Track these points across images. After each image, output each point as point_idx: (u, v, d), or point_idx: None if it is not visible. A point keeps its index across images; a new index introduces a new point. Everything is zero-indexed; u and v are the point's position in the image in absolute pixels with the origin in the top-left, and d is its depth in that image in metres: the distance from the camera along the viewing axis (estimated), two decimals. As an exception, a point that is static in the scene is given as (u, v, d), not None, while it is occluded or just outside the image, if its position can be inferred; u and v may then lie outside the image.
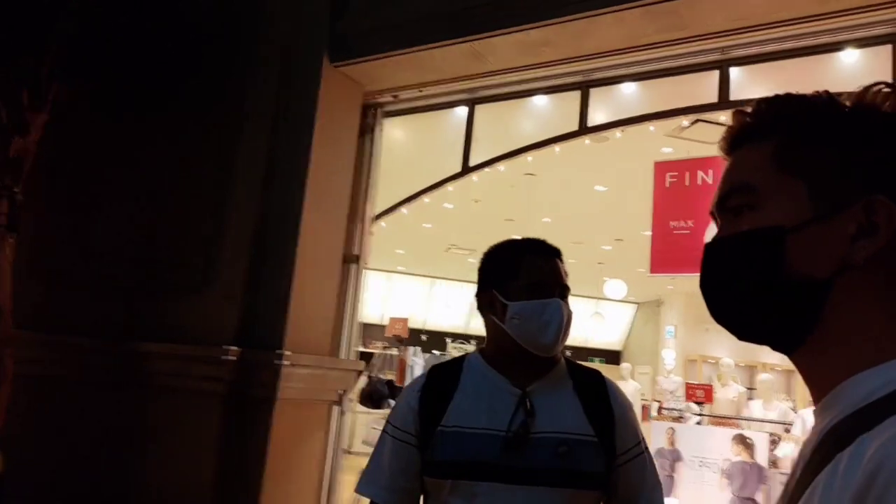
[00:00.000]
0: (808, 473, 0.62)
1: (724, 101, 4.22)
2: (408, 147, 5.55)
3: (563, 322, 1.53)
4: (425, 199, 5.12)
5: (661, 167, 5.51)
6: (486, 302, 1.64)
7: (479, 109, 4.99)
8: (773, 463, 4.57)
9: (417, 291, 14.64)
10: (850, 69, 3.90)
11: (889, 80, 3.08)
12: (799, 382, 12.12)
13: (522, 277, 1.57)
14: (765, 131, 0.71)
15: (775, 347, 0.72)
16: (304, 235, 3.72)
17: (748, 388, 9.32)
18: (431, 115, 5.18)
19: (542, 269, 1.58)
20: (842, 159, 0.67)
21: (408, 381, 5.42)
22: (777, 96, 0.72)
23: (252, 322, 3.55)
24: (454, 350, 14.93)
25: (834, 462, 0.58)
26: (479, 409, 1.52)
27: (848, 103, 0.69)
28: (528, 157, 4.84)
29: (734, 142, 0.75)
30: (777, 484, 4.54)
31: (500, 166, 4.89)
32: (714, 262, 0.72)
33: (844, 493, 0.54)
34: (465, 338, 14.88)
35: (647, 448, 1.61)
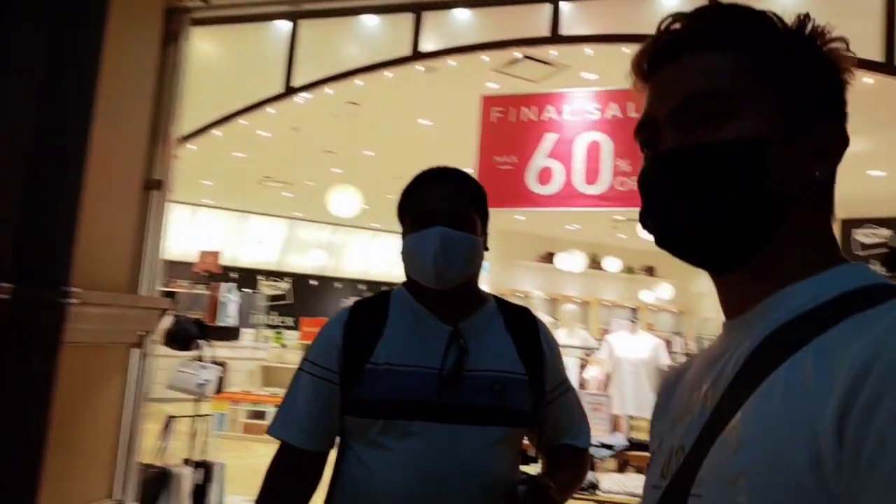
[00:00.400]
0: (744, 384, 0.60)
1: (555, 36, 4.22)
2: (221, 62, 4.98)
3: (436, 251, 1.40)
4: (241, 121, 4.65)
5: (488, 101, 5.46)
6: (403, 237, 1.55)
7: (304, 25, 4.58)
8: (581, 384, 4.86)
9: (227, 226, 13.78)
10: (667, 12, 4.04)
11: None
12: (593, 312, 13.24)
13: (408, 210, 1.50)
14: (725, 39, 0.67)
15: (717, 268, 0.70)
16: (96, 154, 3.16)
17: (553, 319, 9.94)
18: (249, 28, 4.67)
19: (424, 197, 1.49)
20: (808, 79, 0.67)
21: (221, 320, 5.00)
22: (733, 6, 0.69)
23: (28, 254, 2.97)
24: (266, 287, 14.43)
25: (789, 364, 0.57)
26: (410, 346, 1.44)
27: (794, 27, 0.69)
28: (358, 81, 4.53)
29: (666, 52, 0.70)
30: (585, 403, 4.82)
31: (328, 89, 4.55)
32: (683, 172, 0.66)
33: (823, 396, 0.52)
34: (279, 275, 14.38)
35: (570, 385, 1.61)
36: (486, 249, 1.52)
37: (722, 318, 0.73)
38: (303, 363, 1.49)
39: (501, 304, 1.56)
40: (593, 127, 5.15)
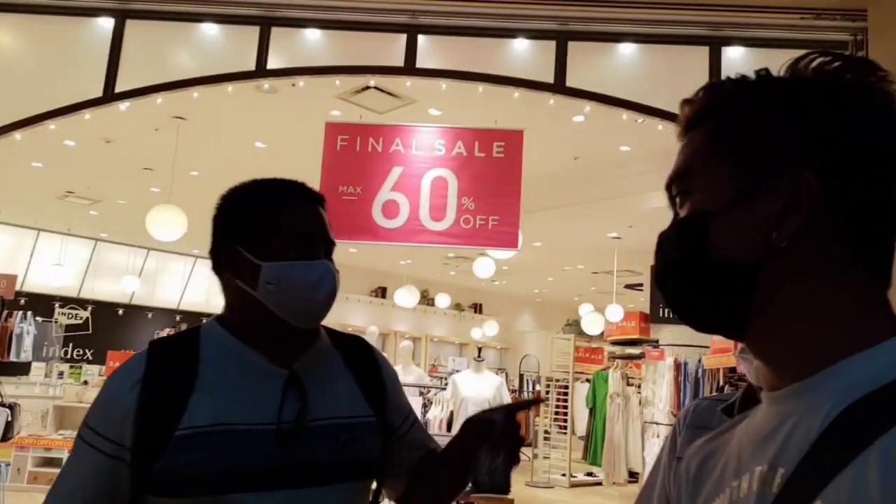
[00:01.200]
0: (813, 465, 0.56)
1: (409, 68, 4.14)
2: (28, 57, 4.32)
3: (329, 290, 1.19)
4: (51, 125, 4.04)
5: (333, 128, 5.25)
6: (226, 261, 1.23)
7: (132, 26, 4.11)
8: (425, 425, 4.71)
9: (16, 245, 12.15)
10: (519, 56, 4.14)
11: (551, 74, 3.18)
12: (422, 348, 13.28)
13: (282, 230, 1.20)
14: (703, 117, 0.69)
15: (727, 334, 0.69)
16: None
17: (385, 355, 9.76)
18: (64, 22, 4.11)
19: (306, 220, 1.22)
20: (767, 134, 0.64)
21: (15, 355, 4.22)
22: (714, 81, 0.70)
23: None
24: (62, 316, 12.83)
25: (856, 465, 0.53)
26: (233, 398, 1.14)
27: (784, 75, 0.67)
28: (195, 92, 4.13)
29: (684, 133, 0.72)
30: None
31: (158, 98, 4.09)
32: (658, 254, 0.70)
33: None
34: (79, 302, 12.90)
35: (415, 415, 1.40)
36: None
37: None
38: (83, 430, 1.14)
39: (333, 335, 1.32)
40: (439, 163, 5.12)
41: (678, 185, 0.69)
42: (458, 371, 6.03)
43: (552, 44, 4.03)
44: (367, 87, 5.76)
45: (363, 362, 1.30)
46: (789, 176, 0.61)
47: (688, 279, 0.66)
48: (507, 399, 5.65)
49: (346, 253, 11.63)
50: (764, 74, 0.67)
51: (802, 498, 0.55)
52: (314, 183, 4.97)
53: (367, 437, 1.22)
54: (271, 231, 1.19)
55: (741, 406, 1.28)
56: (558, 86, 3.96)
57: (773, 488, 0.59)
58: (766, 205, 0.62)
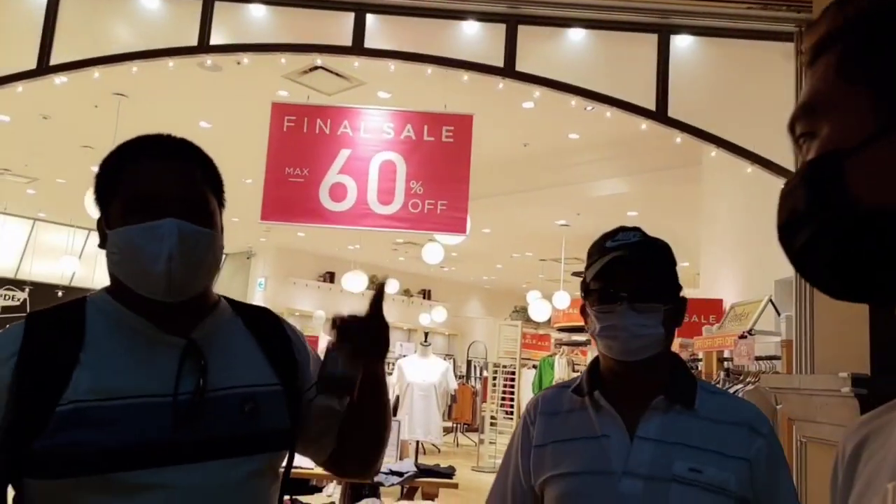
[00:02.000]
0: None
1: (357, 47, 4.05)
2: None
3: (174, 251, 1.04)
4: (-25, 97, 3.82)
5: (280, 109, 5.12)
6: (100, 230, 1.13)
7: (66, -6, 3.90)
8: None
9: (-54, 224, 11.59)
10: (469, 39, 4.09)
11: (501, 58, 3.12)
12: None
13: (121, 192, 1.09)
14: (831, 40, 0.58)
15: (879, 300, 0.58)
16: None
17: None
18: (-9, -13, 3.87)
19: (148, 177, 1.08)
20: None
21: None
22: (844, 2, 0.58)
23: None
24: (1, 299, 12.28)
25: None
26: (123, 370, 1.05)
27: None
28: (133, 67, 3.95)
29: (809, 65, 0.62)
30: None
31: (95, 72, 3.90)
32: (782, 207, 0.59)
33: None
34: (16, 283, 12.37)
35: None
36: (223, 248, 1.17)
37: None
38: None
39: (235, 305, 1.24)
40: (388, 147, 5.05)
41: (802, 124, 0.59)
42: (404, 356, 5.99)
43: (502, 27, 3.99)
44: (315, 68, 5.64)
45: (268, 330, 1.22)
46: None
47: (821, 233, 0.55)
48: (452, 384, 5.65)
49: (293, 237, 11.47)
50: None
51: None
52: (260, 164, 4.84)
53: (274, 407, 1.13)
54: (115, 193, 1.08)
55: (589, 385, 1.32)
56: (508, 70, 3.92)
57: None
58: None
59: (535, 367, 9.42)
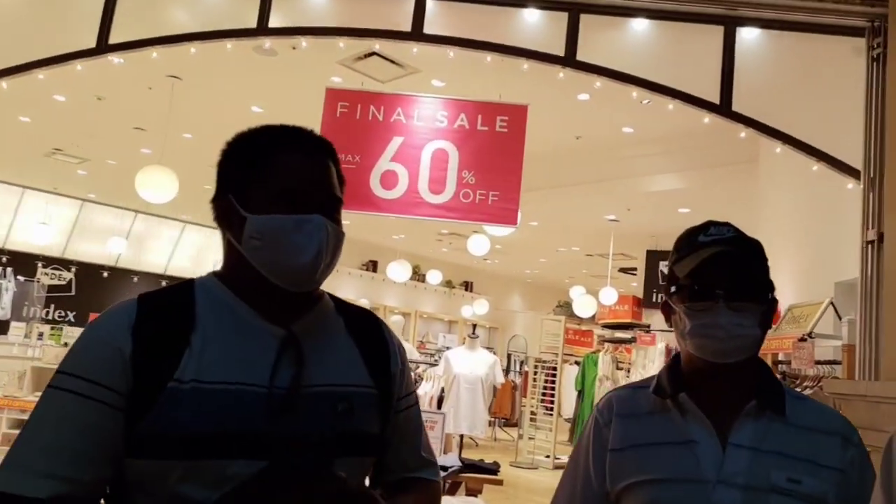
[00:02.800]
0: None
1: (416, 33, 4.01)
2: (19, 4, 4.15)
3: (323, 247, 1.07)
4: (39, 75, 3.90)
5: (333, 95, 5.12)
6: (220, 210, 1.13)
7: (130, -24, 3.95)
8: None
9: (-1, 201, 11.94)
10: (529, 27, 4.02)
11: (562, 47, 3.05)
12: (411, 324, 13.20)
13: (270, 180, 1.09)
14: None
15: None
16: None
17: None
18: (59, -32, 3.95)
19: (299, 171, 1.10)
20: None
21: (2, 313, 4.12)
22: None
23: None
24: (45, 276, 12.63)
25: None
26: (227, 355, 1.04)
27: None
28: (192, 48, 3.99)
29: None
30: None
31: (154, 53, 3.95)
32: None
33: None
34: (63, 263, 12.71)
35: (417, 399, 1.30)
36: None
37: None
38: (59, 378, 1.01)
39: (338, 303, 1.22)
40: (440, 135, 5.02)
41: None
42: (449, 348, 5.96)
43: (564, 16, 3.92)
44: (370, 54, 5.63)
45: (369, 333, 1.19)
46: None
47: None
48: (500, 378, 5.58)
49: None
50: None
51: None
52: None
53: (367, 409, 1.12)
54: (261, 179, 1.08)
55: (673, 387, 1.24)
56: (569, 59, 3.85)
57: None
58: None
59: (577, 363, 9.32)
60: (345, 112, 5.08)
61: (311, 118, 4.99)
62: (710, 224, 1.27)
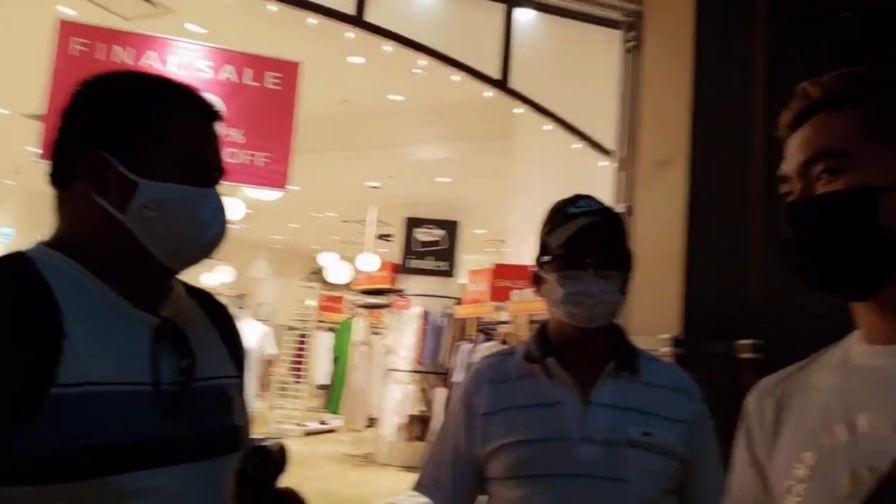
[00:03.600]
0: None
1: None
2: None
3: (225, 223, 0.98)
4: None
5: (68, 28, 4.38)
6: (82, 166, 0.91)
7: None
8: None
9: None
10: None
11: (352, 5, 3.00)
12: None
13: (171, 143, 0.93)
14: (847, 103, 0.76)
15: (852, 296, 0.77)
16: None
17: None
18: None
19: (203, 138, 0.98)
20: None
21: None
22: (858, 71, 0.78)
23: None
24: None
25: None
26: (101, 350, 0.85)
27: None
28: None
29: (803, 114, 0.79)
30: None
31: None
32: (810, 220, 0.76)
33: None
34: None
35: None
36: None
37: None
38: None
39: (184, 284, 1.09)
40: (204, 87, 4.51)
41: (828, 161, 0.75)
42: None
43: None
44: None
45: (223, 318, 1.10)
46: None
47: (850, 246, 0.73)
48: (270, 350, 5.29)
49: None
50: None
51: None
52: (39, 93, 4.12)
53: (237, 400, 1.03)
54: (158, 140, 0.92)
55: (541, 352, 1.33)
56: (358, 19, 3.71)
57: None
58: None
59: (331, 329, 9.29)
60: (84, 52, 4.39)
61: (35, 54, 4.22)
62: (578, 197, 1.35)
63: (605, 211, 1.34)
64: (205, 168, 0.95)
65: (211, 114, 1.00)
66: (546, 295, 1.35)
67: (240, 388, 1.06)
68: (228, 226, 0.98)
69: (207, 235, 0.95)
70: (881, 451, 0.69)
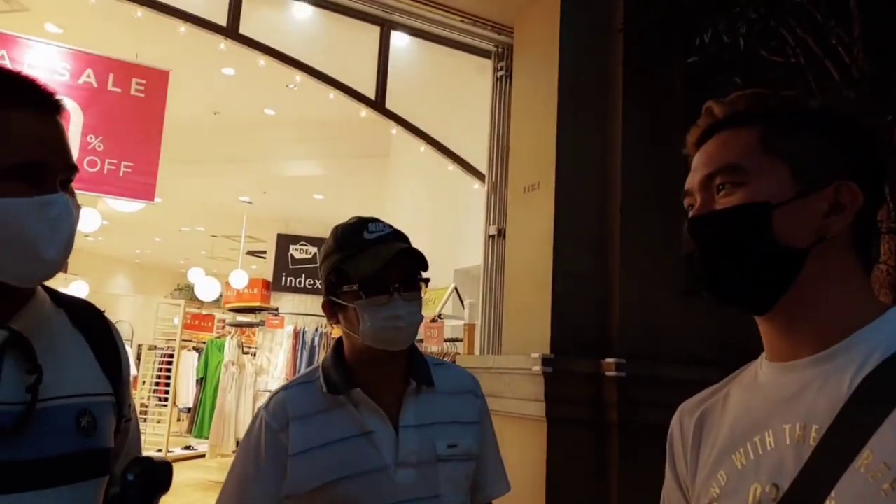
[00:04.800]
0: (856, 424, 0.66)
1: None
2: None
3: (71, 234, 0.91)
4: None
5: None
6: None
7: None
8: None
9: None
10: None
11: (224, 17, 2.99)
12: None
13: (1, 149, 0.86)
14: (747, 120, 0.80)
15: (751, 309, 0.79)
16: None
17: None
18: None
19: (37, 135, 0.89)
20: (818, 148, 0.78)
21: None
22: (758, 91, 0.82)
23: None
24: None
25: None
26: None
27: (814, 104, 0.82)
28: None
29: (709, 131, 0.83)
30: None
31: None
32: (708, 233, 0.78)
33: None
34: None
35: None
36: None
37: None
38: None
39: (52, 293, 1.03)
40: (61, 91, 4.25)
41: (725, 176, 0.78)
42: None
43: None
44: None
45: (98, 331, 1.02)
46: (839, 183, 0.75)
47: (746, 259, 0.75)
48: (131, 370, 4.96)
49: None
50: (800, 97, 0.82)
51: (847, 449, 0.65)
52: None
53: (107, 421, 0.97)
54: None
55: (346, 383, 1.29)
56: (232, 31, 3.63)
57: (811, 441, 0.69)
58: (819, 204, 0.75)
59: (196, 349, 8.87)
60: (-80, 45, 4.00)
61: None
62: (364, 221, 1.32)
63: (398, 233, 1.33)
64: (42, 171, 0.86)
65: (45, 103, 0.89)
66: (348, 324, 1.30)
67: (117, 405, 0.99)
68: (71, 232, 0.89)
69: (48, 252, 0.86)
70: (782, 468, 0.70)
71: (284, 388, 1.37)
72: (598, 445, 2.88)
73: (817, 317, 0.75)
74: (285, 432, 1.26)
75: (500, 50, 4.23)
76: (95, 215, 7.30)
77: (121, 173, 4.46)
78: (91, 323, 1.02)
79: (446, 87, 4.34)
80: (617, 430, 2.85)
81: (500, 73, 4.16)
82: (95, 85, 4.42)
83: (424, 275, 1.33)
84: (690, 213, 0.81)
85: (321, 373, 1.32)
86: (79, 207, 0.93)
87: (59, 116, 0.92)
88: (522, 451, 2.93)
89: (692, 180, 0.82)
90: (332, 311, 1.32)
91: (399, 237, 1.32)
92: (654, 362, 2.88)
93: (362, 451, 1.24)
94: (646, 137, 3.10)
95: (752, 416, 0.78)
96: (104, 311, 1.10)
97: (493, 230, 4.02)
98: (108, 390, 0.98)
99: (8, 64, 4.15)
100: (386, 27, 4.07)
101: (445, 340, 4.37)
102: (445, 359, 4.05)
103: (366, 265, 1.25)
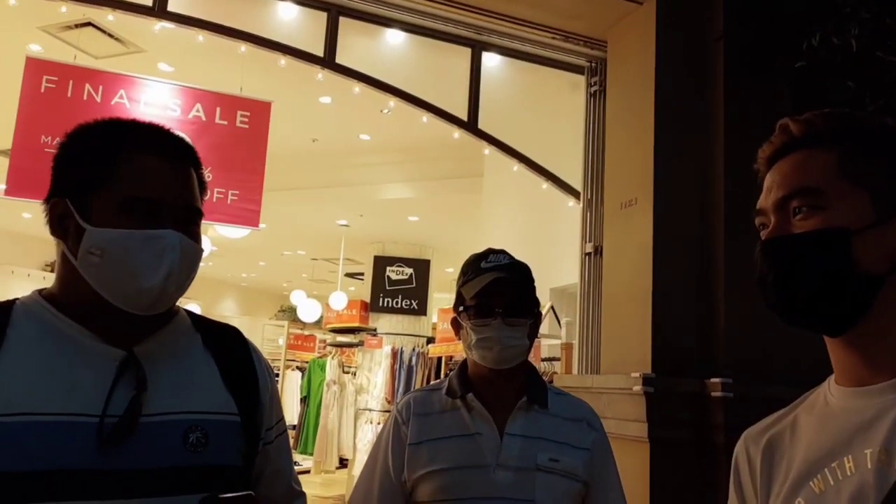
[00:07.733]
0: None
1: (160, 9, 3.58)
2: None
3: (174, 268, 0.95)
4: None
5: (36, 66, 4.36)
6: (55, 216, 0.97)
7: None
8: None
9: None
10: (285, 23, 3.85)
11: (321, 48, 3.08)
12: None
13: (116, 186, 0.95)
14: (824, 141, 0.78)
15: (824, 331, 0.79)
16: None
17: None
18: None
19: (153, 177, 0.97)
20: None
21: None
22: (835, 112, 0.80)
23: None
24: None
25: None
26: (46, 382, 0.89)
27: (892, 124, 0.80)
28: None
29: (783, 149, 0.81)
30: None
31: None
32: (784, 256, 0.78)
33: None
34: None
35: (285, 424, 1.22)
36: None
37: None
38: None
39: (196, 318, 1.10)
40: (172, 125, 4.49)
41: (803, 199, 0.77)
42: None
43: (323, 15, 3.83)
44: (86, 24, 4.87)
45: (232, 352, 1.07)
46: None
47: (822, 284, 0.75)
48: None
49: (16, 217, 9.76)
50: (880, 117, 0.80)
51: None
52: (8, 129, 4.06)
53: (226, 439, 0.99)
54: (106, 184, 0.93)
55: (462, 389, 1.48)
56: (328, 61, 3.77)
57: (895, 466, 0.69)
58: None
59: (299, 368, 9.17)
60: (52, 88, 4.37)
61: (2, 91, 4.18)
62: (489, 252, 1.54)
63: (512, 265, 1.50)
64: (155, 209, 0.94)
65: (171, 151, 0.99)
66: (463, 339, 1.52)
67: (251, 427, 1.03)
68: (175, 267, 0.94)
69: (150, 281, 0.92)
70: (864, 493, 0.70)
71: (414, 391, 1.62)
72: (704, 469, 2.75)
73: (893, 342, 0.75)
74: (407, 426, 1.48)
75: (593, 65, 4.18)
76: (206, 242, 7.74)
77: (228, 201, 4.69)
78: (225, 345, 1.07)
79: (538, 104, 4.31)
80: (724, 452, 2.71)
81: (593, 88, 4.10)
82: (204, 118, 4.68)
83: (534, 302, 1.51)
84: (764, 235, 0.81)
85: (447, 381, 1.54)
86: (196, 247, 0.98)
87: (188, 165, 1.00)
88: (624, 472, 2.82)
89: (766, 200, 0.81)
90: (455, 327, 1.56)
91: (514, 268, 1.49)
92: (762, 382, 2.72)
93: (467, 449, 1.43)
94: (750, 148, 2.97)
95: (829, 442, 0.77)
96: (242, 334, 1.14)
97: (589, 247, 3.94)
98: (232, 409, 1.01)
99: (126, 102, 4.47)
100: (477, 48, 4.11)
101: (543, 360, 4.31)
102: (543, 377, 4.00)
103: (470, 290, 1.46)
